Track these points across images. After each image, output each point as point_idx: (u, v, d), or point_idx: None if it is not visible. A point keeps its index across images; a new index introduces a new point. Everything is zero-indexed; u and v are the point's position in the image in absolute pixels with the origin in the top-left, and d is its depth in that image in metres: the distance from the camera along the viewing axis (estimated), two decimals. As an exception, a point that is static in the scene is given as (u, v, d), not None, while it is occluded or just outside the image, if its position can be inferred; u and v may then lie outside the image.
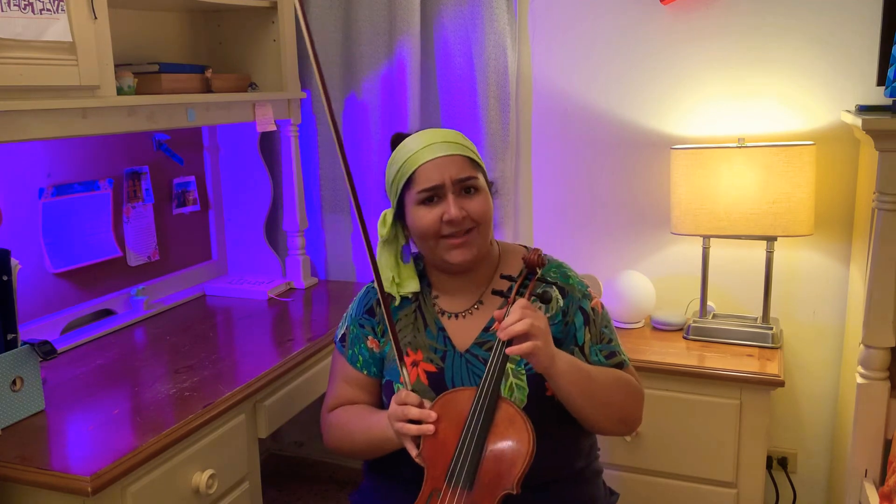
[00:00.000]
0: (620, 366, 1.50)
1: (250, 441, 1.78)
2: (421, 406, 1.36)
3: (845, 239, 2.25)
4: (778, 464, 2.40)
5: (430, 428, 1.33)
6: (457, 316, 1.52)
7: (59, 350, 1.89)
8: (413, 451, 1.35)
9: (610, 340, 1.52)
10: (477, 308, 1.51)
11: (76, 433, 1.52)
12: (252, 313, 2.28)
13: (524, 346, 1.28)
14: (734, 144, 2.14)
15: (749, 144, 2.12)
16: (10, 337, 1.55)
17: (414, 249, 1.56)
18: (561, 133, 2.50)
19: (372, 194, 2.64)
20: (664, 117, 2.38)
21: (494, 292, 1.42)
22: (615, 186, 2.47)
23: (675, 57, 2.33)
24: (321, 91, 1.44)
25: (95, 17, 1.71)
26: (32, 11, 1.56)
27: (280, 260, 2.63)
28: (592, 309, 1.51)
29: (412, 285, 1.52)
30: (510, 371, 1.43)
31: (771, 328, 2.20)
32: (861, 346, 1.80)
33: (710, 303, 2.32)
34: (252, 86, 2.39)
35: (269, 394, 1.83)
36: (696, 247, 2.34)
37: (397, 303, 1.53)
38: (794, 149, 2.08)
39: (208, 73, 2.16)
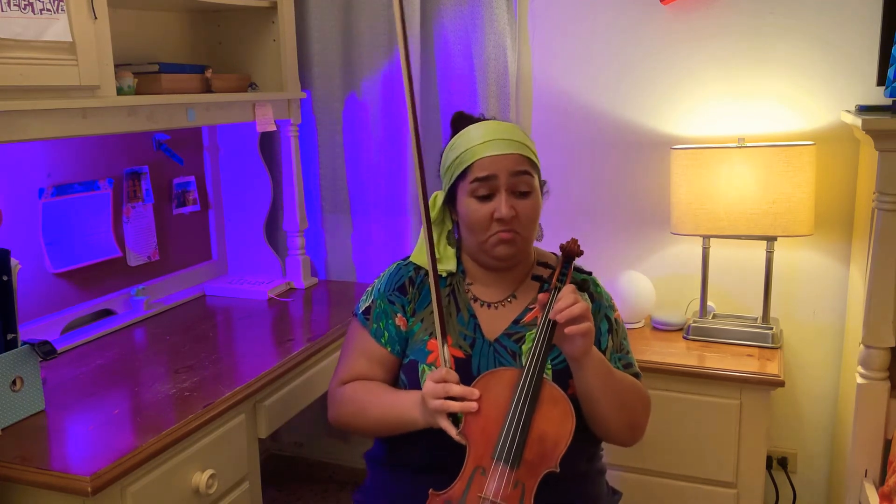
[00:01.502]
0: (635, 378, 1.53)
1: (250, 441, 1.78)
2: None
3: (845, 239, 2.25)
4: (778, 464, 2.40)
5: (473, 405, 1.33)
6: (489, 305, 1.52)
7: (59, 350, 1.89)
8: (452, 431, 1.33)
9: (628, 352, 1.55)
10: (510, 301, 1.52)
11: (76, 433, 1.52)
12: (252, 313, 2.28)
13: (582, 326, 1.30)
14: (734, 144, 2.14)
15: (749, 144, 2.12)
16: (10, 337, 1.55)
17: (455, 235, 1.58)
18: (561, 133, 2.50)
19: (372, 194, 2.64)
20: (664, 117, 2.38)
21: (534, 277, 1.44)
22: (615, 186, 2.47)
23: (675, 57, 2.33)
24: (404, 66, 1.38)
25: (95, 17, 1.71)
26: (32, 11, 1.56)
27: (280, 260, 2.63)
28: (616, 320, 1.54)
29: (451, 265, 1.54)
30: None
31: (771, 328, 2.20)
32: (861, 346, 1.80)
33: (710, 303, 2.32)
34: (252, 86, 2.39)
35: (269, 394, 1.83)
36: (696, 247, 2.34)
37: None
38: (794, 149, 2.08)
39: (208, 73, 2.16)
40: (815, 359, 2.34)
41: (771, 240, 2.18)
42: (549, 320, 1.35)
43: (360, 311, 1.57)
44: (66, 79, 1.65)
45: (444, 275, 1.53)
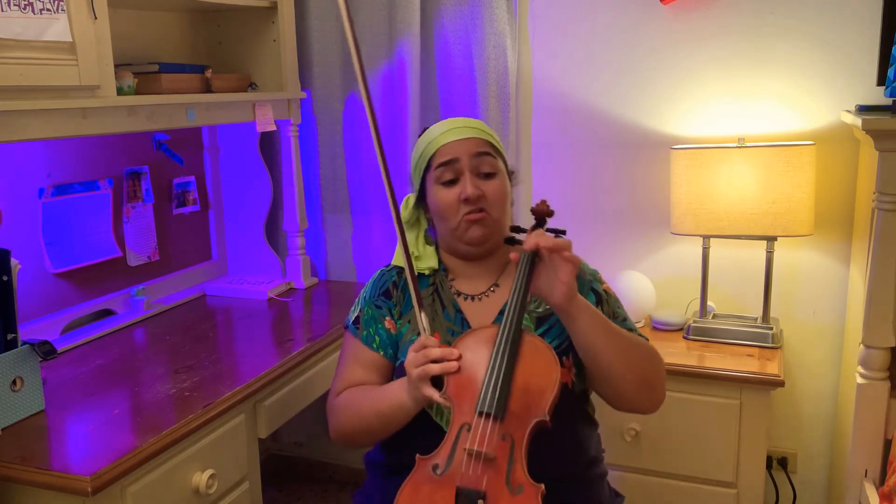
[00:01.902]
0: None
1: (250, 441, 1.78)
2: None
3: (845, 239, 2.25)
4: (778, 464, 2.40)
5: (453, 365, 1.33)
6: (473, 298, 1.53)
7: (59, 350, 1.89)
8: (435, 395, 1.32)
9: (625, 319, 1.53)
10: (493, 290, 1.52)
11: (76, 433, 1.52)
12: (252, 313, 2.28)
13: (565, 254, 1.29)
14: (734, 144, 2.14)
15: (749, 144, 2.12)
16: (10, 337, 1.55)
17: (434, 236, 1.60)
18: (561, 133, 2.50)
19: (372, 194, 2.64)
20: (664, 117, 2.38)
21: (507, 240, 1.45)
22: (615, 186, 2.47)
23: (675, 57, 2.33)
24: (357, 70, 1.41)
25: (95, 17, 1.71)
26: (32, 11, 1.56)
27: (280, 260, 2.63)
28: (606, 291, 1.54)
29: (431, 261, 1.55)
30: None
31: (771, 328, 2.20)
32: (861, 346, 1.80)
33: (710, 303, 2.32)
34: (252, 86, 2.39)
35: (269, 394, 1.83)
36: (696, 247, 2.34)
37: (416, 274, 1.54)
38: (794, 149, 2.08)
39: (208, 73, 2.16)
40: (815, 359, 2.34)
41: (771, 240, 2.18)
42: (525, 271, 1.35)
43: (350, 321, 1.58)
44: (66, 79, 1.65)
45: (427, 272, 1.55)
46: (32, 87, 1.58)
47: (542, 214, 1.45)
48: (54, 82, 1.63)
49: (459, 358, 1.34)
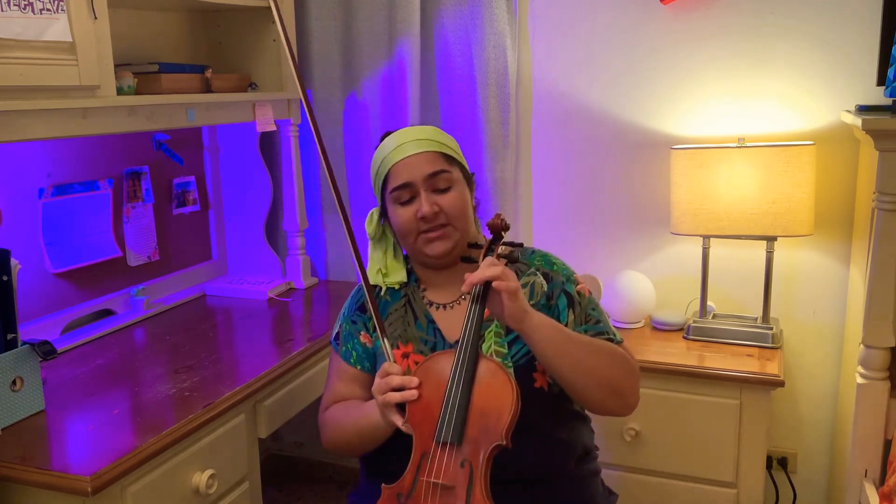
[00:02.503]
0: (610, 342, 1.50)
1: (250, 441, 1.78)
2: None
3: (845, 239, 2.25)
4: (778, 464, 2.40)
5: (412, 393, 1.35)
6: (445, 307, 1.55)
7: (59, 350, 1.89)
8: (399, 421, 1.36)
9: (598, 322, 1.51)
10: (465, 298, 1.51)
11: (76, 433, 1.52)
12: (252, 313, 2.28)
13: (503, 283, 1.30)
14: (734, 144, 2.14)
15: (749, 144, 2.12)
16: (10, 337, 1.55)
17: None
18: (561, 133, 2.50)
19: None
20: (664, 117, 2.38)
21: (463, 259, 1.46)
22: (615, 186, 2.47)
23: (675, 57, 2.33)
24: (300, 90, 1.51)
25: (95, 17, 1.71)
26: (32, 11, 1.56)
27: (280, 260, 2.63)
28: (578, 293, 1.52)
29: (399, 275, 1.57)
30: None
31: (771, 328, 2.20)
32: (861, 346, 1.80)
33: (710, 303, 2.32)
34: (252, 86, 2.39)
35: (269, 394, 1.83)
36: (696, 247, 2.34)
37: (383, 292, 1.58)
38: (794, 149, 2.08)
39: (208, 73, 2.16)
40: (815, 359, 2.34)
41: (771, 240, 2.18)
42: (478, 296, 1.36)
43: (333, 337, 1.64)
44: (66, 79, 1.65)
45: (397, 287, 1.57)
46: (32, 87, 1.58)
47: (497, 229, 1.45)
48: (54, 82, 1.62)
49: (419, 385, 1.36)
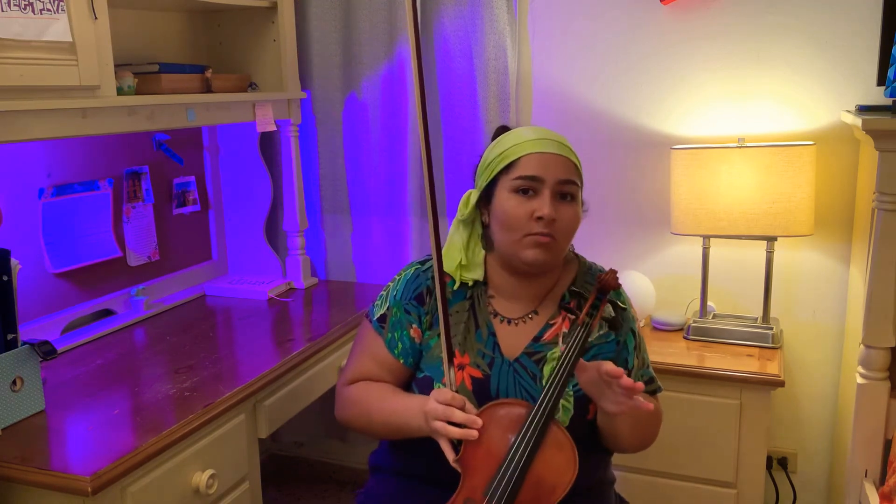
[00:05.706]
0: (654, 393, 1.51)
1: (250, 441, 1.78)
2: (464, 409, 1.30)
3: (845, 239, 2.25)
4: (778, 464, 2.40)
5: (474, 433, 1.28)
6: (510, 321, 1.46)
7: (59, 350, 1.89)
8: (451, 455, 1.29)
9: (648, 366, 1.52)
10: (531, 317, 1.46)
11: (76, 433, 1.52)
12: (252, 313, 2.28)
13: (630, 403, 1.25)
14: (734, 144, 2.14)
15: (749, 144, 2.12)
16: (10, 337, 1.55)
17: None
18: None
19: (372, 194, 2.64)
20: (664, 117, 2.38)
21: (564, 308, 1.39)
22: (615, 186, 2.47)
23: (675, 57, 2.33)
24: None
25: (95, 17, 1.71)
26: (32, 11, 1.56)
27: (280, 260, 2.63)
28: (639, 333, 1.51)
29: (477, 272, 1.46)
30: None
31: (771, 328, 2.20)
32: (861, 346, 1.80)
33: (710, 303, 2.32)
34: (252, 86, 2.39)
35: (269, 394, 1.83)
36: (696, 247, 2.34)
37: (456, 286, 1.47)
38: (794, 149, 2.08)
39: (208, 73, 2.16)
40: (815, 359, 2.34)
41: (771, 240, 2.18)
42: (569, 360, 1.30)
43: (376, 317, 1.51)
44: (66, 79, 1.64)
45: (470, 283, 1.47)
46: (32, 87, 1.58)
47: (606, 287, 1.37)
48: (54, 82, 1.62)
49: (482, 428, 1.29)
